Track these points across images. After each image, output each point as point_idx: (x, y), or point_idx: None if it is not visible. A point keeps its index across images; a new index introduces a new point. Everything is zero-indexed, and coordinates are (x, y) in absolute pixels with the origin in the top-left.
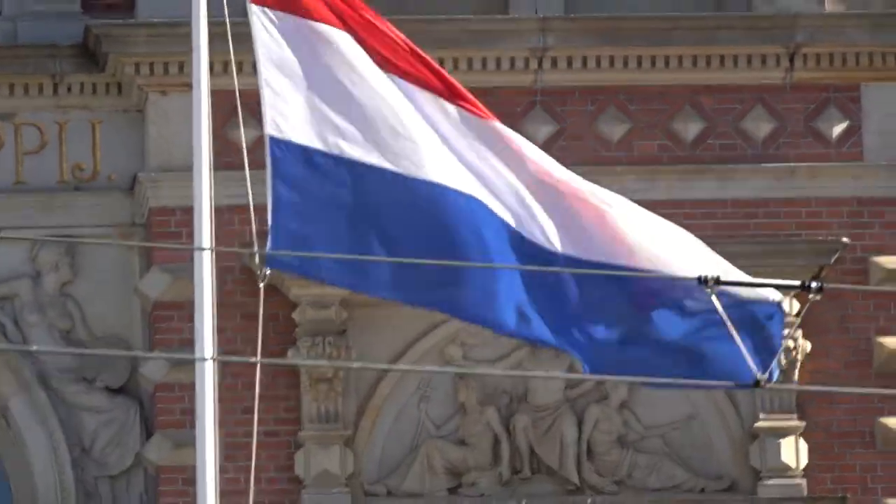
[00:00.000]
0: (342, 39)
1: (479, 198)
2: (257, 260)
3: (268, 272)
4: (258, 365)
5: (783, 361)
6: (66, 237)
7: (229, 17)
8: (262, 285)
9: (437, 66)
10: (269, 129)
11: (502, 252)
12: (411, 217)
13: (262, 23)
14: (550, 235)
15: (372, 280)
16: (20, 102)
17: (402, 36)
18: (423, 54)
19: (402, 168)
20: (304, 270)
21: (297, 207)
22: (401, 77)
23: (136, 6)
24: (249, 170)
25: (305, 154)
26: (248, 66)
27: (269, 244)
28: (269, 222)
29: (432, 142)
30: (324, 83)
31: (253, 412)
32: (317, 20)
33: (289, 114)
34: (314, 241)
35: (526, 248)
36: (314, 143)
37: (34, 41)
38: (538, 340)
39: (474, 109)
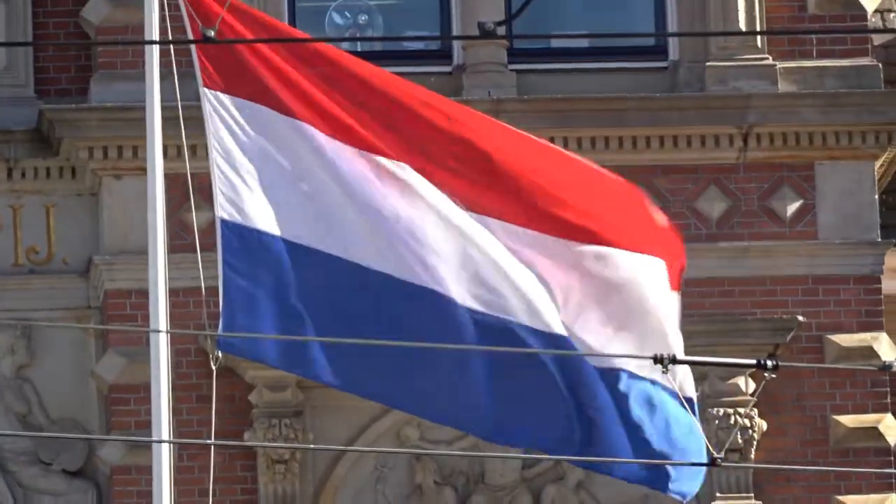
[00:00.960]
0: (290, 125)
1: (434, 288)
2: (209, 342)
3: (220, 355)
4: (212, 447)
5: (740, 441)
6: (22, 320)
7: (183, 100)
8: (214, 368)
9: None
10: (220, 213)
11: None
12: (360, 304)
13: (214, 107)
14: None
15: (320, 367)
16: None
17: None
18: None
19: (351, 255)
20: (253, 354)
21: (249, 291)
22: (351, 145)
23: (89, 90)
24: (205, 252)
25: (256, 237)
26: (203, 149)
27: (219, 327)
28: (220, 306)
29: (381, 227)
30: (275, 167)
31: (210, 494)
32: (266, 105)
33: (240, 197)
34: (264, 324)
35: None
36: (265, 226)
37: None
38: (484, 437)
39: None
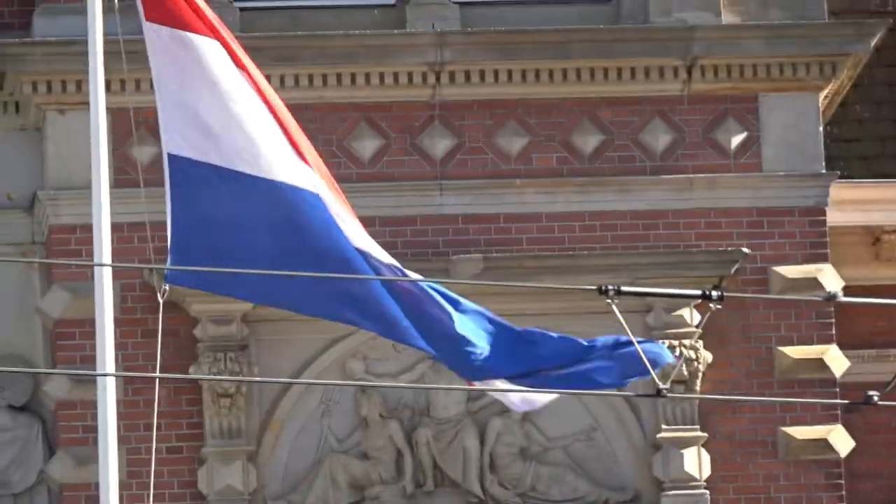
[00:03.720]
0: (224, 54)
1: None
2: (155, 276)
3: (167, 288)
4: (157, 380)
5: (685, 372)
6: None
7: (126, 34)
8: (161, 300)
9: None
10: (168, 147)
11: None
12: (301, 227)
13: (157, 41)
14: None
15: (269, 292)
16: None
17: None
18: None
19: (290, 180)
20: (202, 285)
21: (196, 223)
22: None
23: (32, 24)
24: (151, 187)
25: (202, 170)
26: (147, 83)
27: (168, 261)
28: (169, 239)
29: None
30: (215, 99)
31: (157, 428)
32: (206, 36)
33: (185, 131)
34: (213, 255)
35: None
36: (210, 158)
37: None
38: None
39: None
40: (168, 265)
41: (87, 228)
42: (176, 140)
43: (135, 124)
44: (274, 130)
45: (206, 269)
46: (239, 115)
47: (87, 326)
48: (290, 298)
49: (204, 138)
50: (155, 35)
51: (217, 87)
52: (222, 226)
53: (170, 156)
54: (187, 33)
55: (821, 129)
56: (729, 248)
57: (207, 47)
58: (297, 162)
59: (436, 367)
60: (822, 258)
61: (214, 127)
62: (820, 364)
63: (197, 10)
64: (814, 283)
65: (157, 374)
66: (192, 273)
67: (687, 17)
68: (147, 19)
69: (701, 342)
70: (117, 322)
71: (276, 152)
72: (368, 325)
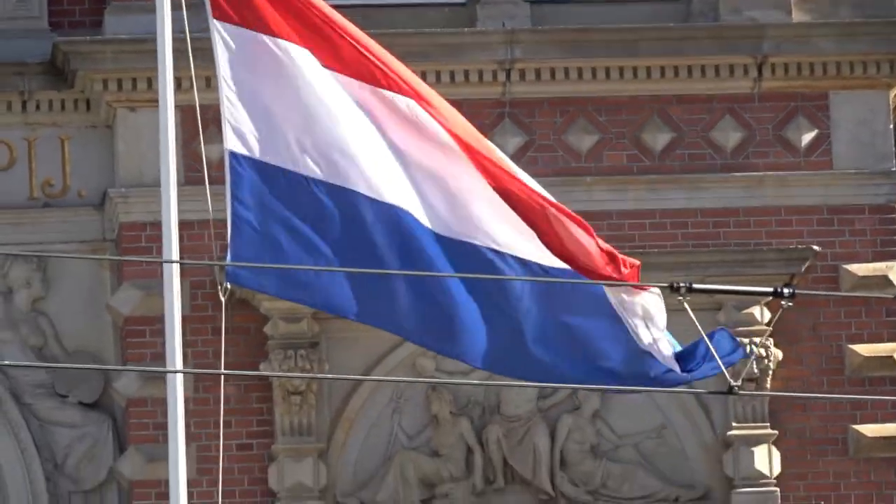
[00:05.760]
0: (300, 55)
1: (420, 218)
2: (217, 273)
3: (228, 286)
4: (222, 377)
5: (756, 370)
6: (37, 253)
7: (196, 32)
8: (223, 298)
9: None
10: (229, 145)
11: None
12: (364, 234)
13: (224, 38)
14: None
15: (327, 296)
16: None
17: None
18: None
19: (357, 186)
20: (261, 285)
21: (256, 222)
22: (355, 78)
23: (103, 23)
24: (218, 185)
25: (265, 170)
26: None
27: (227, 258)
28: (228, 237)
29: (389, 159)
30: (283, 99)
31: (227, 426)
32: (277, 36)
33: (249, 129)
34: (272, 255)
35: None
36: (273, 159)
37: (2, 59)
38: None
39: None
40: (227, 263)
41: (158, 226)
42: (238, 138)
43: (204, 122)
44: (372, 139)
45: (274, 267)
46: (315, 118)
47: (157, 324)
48: (352, 307)
49: (270, 138)
50: (220, 32)
51: (289, 88)
52: (286, 227)
53: (231, 153)
54: (259, 34)
55: (891, 126)
56: (799, 246)
57: (283, 49)
58: (393, 172)
59: None
60: (893, 256)
61: (283, 127)
62: (890, 361)
63: (271, 10)
64: (884, 281)
65: (225, 370)
66: (253, 274)
67: (757, 16)
68: (214, 17)
69: (771, 340)
70: (187, 319)
71: (356, 161)
72: (426, 340)
